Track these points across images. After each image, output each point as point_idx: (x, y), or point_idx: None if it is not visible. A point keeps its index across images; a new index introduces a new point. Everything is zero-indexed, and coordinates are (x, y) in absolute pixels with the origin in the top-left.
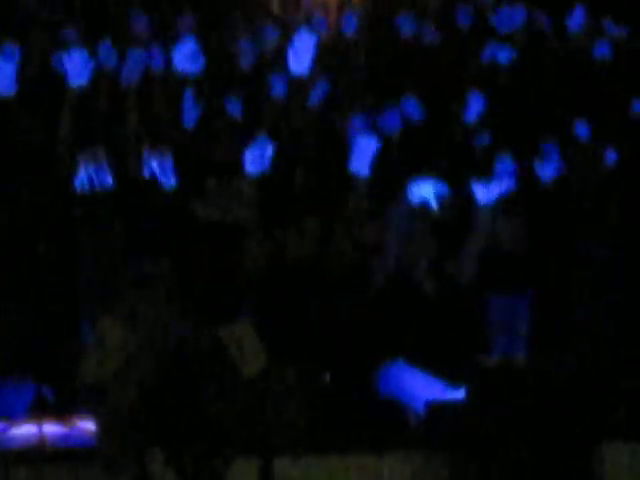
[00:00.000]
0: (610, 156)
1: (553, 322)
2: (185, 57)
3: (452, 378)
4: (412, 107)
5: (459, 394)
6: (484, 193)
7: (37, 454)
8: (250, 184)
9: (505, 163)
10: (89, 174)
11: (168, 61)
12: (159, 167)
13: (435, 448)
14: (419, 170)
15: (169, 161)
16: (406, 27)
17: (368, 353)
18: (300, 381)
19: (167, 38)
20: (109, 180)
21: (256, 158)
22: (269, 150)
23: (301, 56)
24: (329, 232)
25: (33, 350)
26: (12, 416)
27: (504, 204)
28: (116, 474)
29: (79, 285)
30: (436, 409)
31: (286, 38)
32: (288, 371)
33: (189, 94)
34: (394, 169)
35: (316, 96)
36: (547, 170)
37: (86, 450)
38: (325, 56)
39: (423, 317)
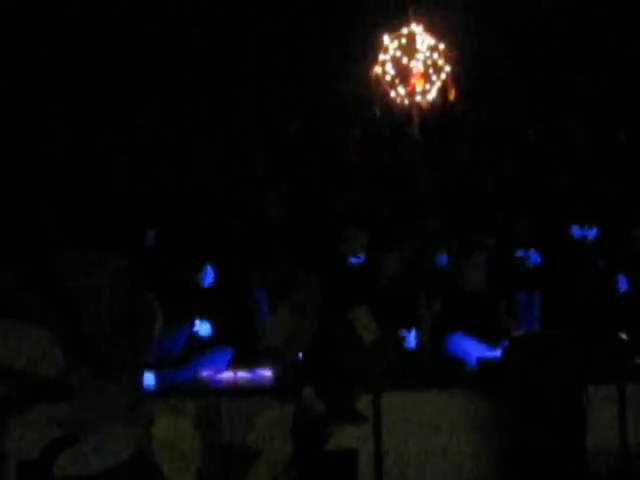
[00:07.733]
0: None
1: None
2: None
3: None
4: None
5: (497, 353)
6: None
7: (233, 390)
8: None
9: None
10: None
11: None
12: None
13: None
14: None
15: None
16: None
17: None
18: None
19: None
20: None
21: None
22: None
23: None
24: None
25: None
26: (219, 368)
27: None
28: (284, 402)
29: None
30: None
31: None
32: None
33: None
34: None
35: None
36: None
37: (264, 388)
38: None
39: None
